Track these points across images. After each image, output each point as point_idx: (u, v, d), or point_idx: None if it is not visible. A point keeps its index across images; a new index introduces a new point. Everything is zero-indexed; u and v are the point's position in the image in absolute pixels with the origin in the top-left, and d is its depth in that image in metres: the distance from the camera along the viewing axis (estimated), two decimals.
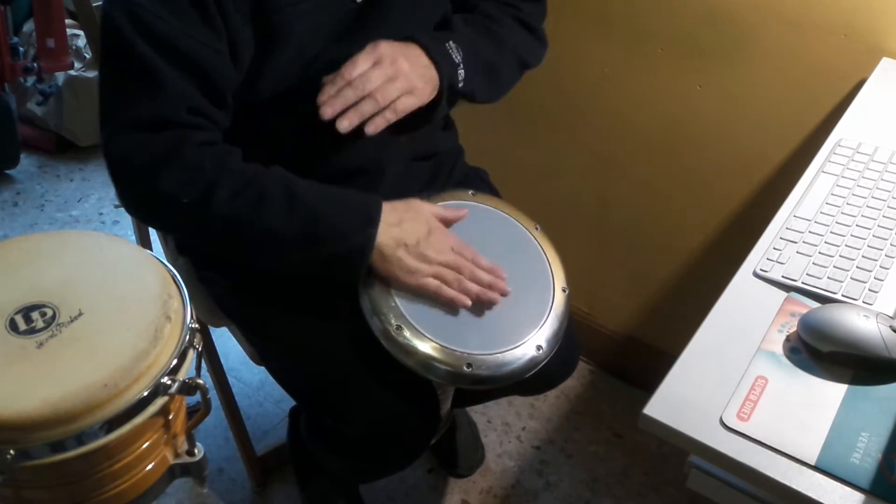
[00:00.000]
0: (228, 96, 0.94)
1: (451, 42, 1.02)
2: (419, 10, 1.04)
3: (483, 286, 0.98)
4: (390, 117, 0.96)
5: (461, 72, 1.02)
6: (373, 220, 0.93)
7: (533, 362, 0.97)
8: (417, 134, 1.08)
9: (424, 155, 1.14)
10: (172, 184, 0.88)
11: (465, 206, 1.08)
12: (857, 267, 0.86)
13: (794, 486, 0.66)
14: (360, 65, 0.94)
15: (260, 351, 1.14)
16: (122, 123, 0.89)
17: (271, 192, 0.91)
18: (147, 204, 0.94)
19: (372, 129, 0.95)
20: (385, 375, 1.00)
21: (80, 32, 2.25)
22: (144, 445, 0.80)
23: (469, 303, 0.96)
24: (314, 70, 0.97)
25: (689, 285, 1.56)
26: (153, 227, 0.96)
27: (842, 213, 0.94)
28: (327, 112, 0.92)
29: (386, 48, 0.96)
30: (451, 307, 0.97)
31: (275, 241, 0.92)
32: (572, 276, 1.06)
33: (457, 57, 1.02)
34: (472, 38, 1.06)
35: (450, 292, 0.96)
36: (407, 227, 0.96)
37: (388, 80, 0.94)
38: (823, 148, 1.06)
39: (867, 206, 0.95)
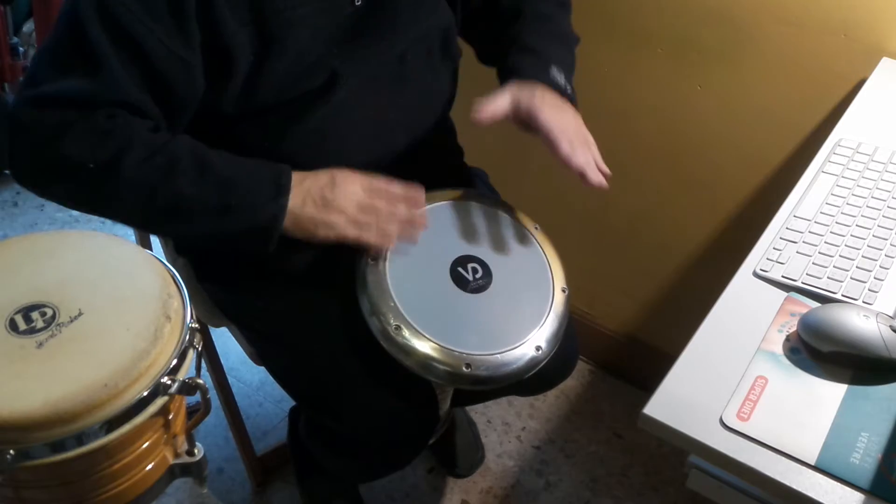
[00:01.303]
0: (183, 109, 0.92)
1: (553, 67, 1.06)
2: (419, 17, 1.04)
3: (402, 221, 0.97)
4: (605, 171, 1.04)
5: (568, 89, 1.07)
6: (284, 187, 0.91)
7: (533, 362, 0.97)
8: (417, 134, 1.08)
9: (424, 155, 1.14)
10: (79, 146, 0.85)
11: (464, 205, 1.08)
12: (856, 267, 0.86)
13: (794, 486, 0.66)
14: (579, 154, 1.00)
15: (260, 351, 1.14)
16: (44, 91, 0.86)
17: (183, 157, 0.88)
18: (48, 169, 0.89)
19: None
20: (384, 375, 1.00)
21: None
22: (144, 445, 0.80)
23: (392, 244, 0.96)
24: (314, 75, 0.97)
25: (689, 285, 1.56)
26: (51, 199, 0.92)
27: (842, 213, 0.94)
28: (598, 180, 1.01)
29: (561, 126, 1.01)
30: (450, 304, 0.96)
31: (185, 209, 0.89)
32: (572, 276, 1.06)
33: (561, 80, 1.06)
34: (558, 53, 1.09)
35: (370, 237, 0.95)
36: (308, 183, 0.94)
37: (590, 156, 1.03)
38: (823, 148, 1.06)
39: (867, 206, 0.95)
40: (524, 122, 1.01)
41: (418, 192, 0.99)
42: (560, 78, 1.06)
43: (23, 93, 0.87)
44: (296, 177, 0.93)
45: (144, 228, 0.98)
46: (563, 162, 0.99)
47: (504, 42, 1.12)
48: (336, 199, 0.94)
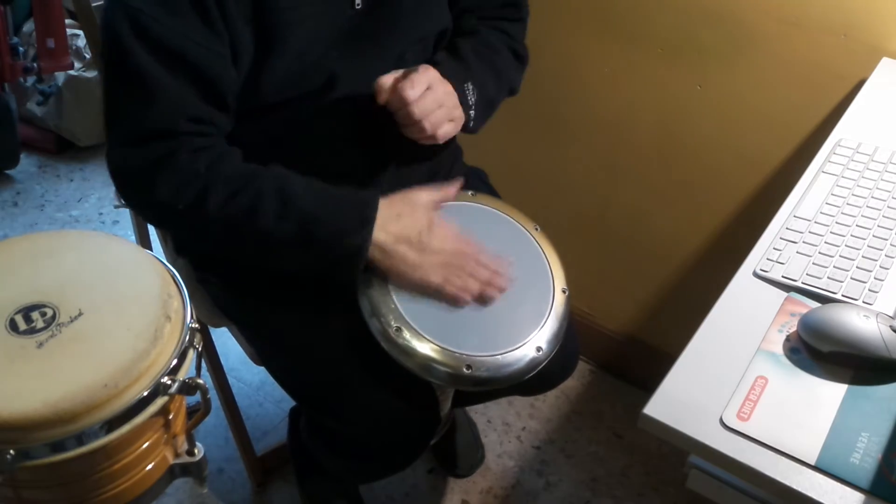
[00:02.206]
0: (230, 99, 0.94)
1: (469, 84, 1.05)
2: (419, 19, 1.05)
3: (483, 282, 0.97)
4: (428, 143, 1.00)
5: (472, 113, 1.06)
6: (368, 220, 0.93)
7: (533, 363, 0.97)
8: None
9: (423, 155, 1.14)
10: (167, 190, 0.89)
11: (465, 206, 1.08)
12: (857, 267, 0.86)
13: (794, 486, 0.66)
14: (417, 87, 0.95)
15: (260, 351, 1.14)
16: (121, 135, 0.91)
17: (266, 194, 0.91)
18: (147, 211, 0.98)
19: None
20: (385, 376, 1.00)
21: (80, 32, 2.25)
22: (144, 445, 0.80)
23: (470, 300, 0.96)
24: (314, 75, 0.97)
25: (689, 285, 1.56)
26: (159, 228, 0.99)
27: (842, 213, 0.94)
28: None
29: (435, 75, 0.99)
30: (450, 306, 0.96)
31: (270, 244, 0.92)
32: (572, 276, 1.06)
33: (471, 99, 1.05)
34: (483, 77, 1.09)
35: (453, 289, 0.96)
36: (406, 222, 0.95)
37: (438, 105, 0.98)
38: (823, 148, 1.06)
39: (867, 206, 0.95)
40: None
41: (505, 263, 1.01)
42: (471, 96, 1.05)
43: (109, 139, 0.92)
44: (387, 210, 0.94)
45: (242, 259, 1.01)
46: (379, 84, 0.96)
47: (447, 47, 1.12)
48: (431, 244, 0.96)
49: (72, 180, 2.25)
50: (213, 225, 0.91)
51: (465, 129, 1.06)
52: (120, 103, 0.91)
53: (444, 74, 1.02)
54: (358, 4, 0.98)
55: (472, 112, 1.05)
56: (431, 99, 0.97)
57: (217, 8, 0.88)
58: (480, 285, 0.97)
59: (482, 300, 0.98)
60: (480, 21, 1.14)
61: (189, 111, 0.90)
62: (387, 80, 0.96)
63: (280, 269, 0.99)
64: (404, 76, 0.96)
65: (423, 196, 1.00)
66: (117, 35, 0.87)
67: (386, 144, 1.06)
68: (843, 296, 0.83)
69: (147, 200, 0.93)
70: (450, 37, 1.12)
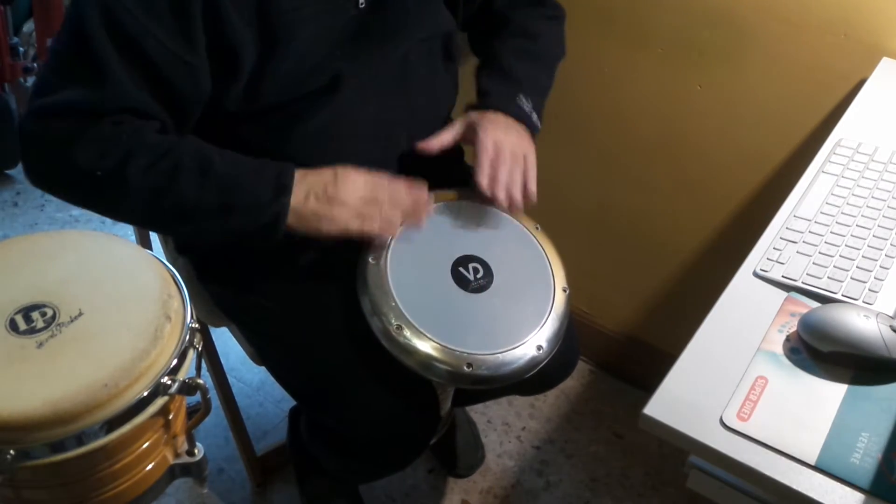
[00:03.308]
0: (187, 107, 0.92)
1: (520, 95, 1.08)
2: (422, 18, 1.05)
3: (406, 211, 0.98)
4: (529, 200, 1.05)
5: (534, 116, 1.09)
6: (286, 188, 0.92)
7: (533, 362, 0.97)
8: (419, 134, 1.08)
9: (425, 157, 1.14)
10: (87, 156, 0.86)
11: (465, 205, 1.08)
12: (857, 267, 0.86)
13: (794, 486, 0.66)
14: (499, 178, 1.02)
15: (260, 351, 1.14)
16: (51, 103, 0.87)
17: (187, 162, 0.89)
18: (59, 177, 0.91)
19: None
20: (385, 375, 1.00)
21: None
22: (144, 445, 0.80)
23: (395, 232, 0.97)
24: (317, 76, 0.97)
25: (689, 285, 1.56)
26: (65, 200, 0.94)
27: (842, 213, 0.94)
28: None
29: (497, 142, 1.03)
30: (449, 302, 0.96)
31: (191, 212, 0.90)
32: (572, 276, 1.06)
33: (527, 108, 1.08)
34: (531, 76, 1.11)
35: (373, 227, 0.95)
36: (311, 179, 0.94)
37: (509, 175, 1.03)
38: (823, 148, 1.06)
39: (867, 206, 0.95)
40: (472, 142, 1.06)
41: (421, 182, 1.00)
42: (526, 106, 1.09)
43: (31, 103, 0.88)
44: (298, 174, 0.94)
45: (154, 229, 1.02)
46: (475, 182, 1.03)
47: (486, 54, 1.15)
48: (339, 194, 0.94)
49: None
50: (131, 193, 0.88)
51: (535, 133, 1.10)
52: (64, 73, 0.88)
53: (496, 105, 1.06)
54: (361, 4, 0.98)
55: (534, 116, 1.09)
56: (503, 177, 1.03)
57: (210, 14, 0.87)
58: (404, 215, 0.98)
59: (413, 225, 0.99)
60: (524, 10, 1.16)
61: (131, 104, 0.88)
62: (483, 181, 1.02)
63: (197, 238, 0.98)
64: (480, 164, 1.02)
65: (348, 167, 0.98)
66: (84, 13, 0.84)
67: (388, 145, 1.06)
68: (843, 296, 0.83)
69: (63, 166, 0.87)
70: (480, 31, 1.15)
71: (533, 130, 1.10)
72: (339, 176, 0.95)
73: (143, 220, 0.97)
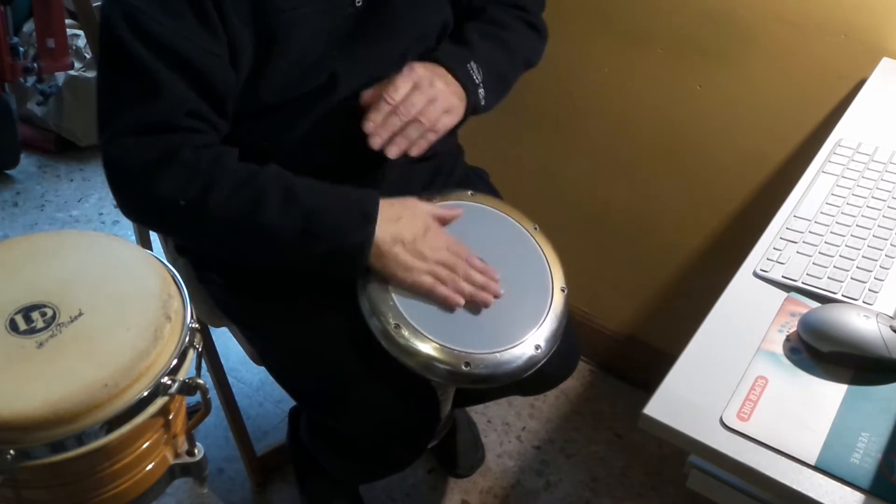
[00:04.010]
0: (228, 102, 0.94)
1: (472, 63, 1.04)
2: (419, 16, 1.04)
3: (476, 287, 0.98)
4: (433, 138, 0.99)
5: (481, 91, 1.05)
6: (371, 216, 0.93)
7: (532, 361, 0.97)
8: None
9: (424, 156, 1.14)
10: (170, 186, 0.89)
11: (465, 206, 1.08)
12: (857, 267, 0.86)
13: (794, 486, 0.66)
14: (401, 88, 0.95)
15: (260, 351, 1.14)
16: (120, 128, 0.89)
17: (269, 190, 0.91)
18: (145, 207, 0.95)
19: (416, 151, 0.98)
20: (385, 376, 1.00)
21: (80, 32, 2.25)
22: (144, 445, 0.80)
23: (462, 302, 0.97)
24: (314, 75, 0.97)
25: (689, 285, 1.56)
26: (152, 230, 0.96)
27: (842, 213, 0.94)
28: (377, 142, 0.94)
29: (421, 70, 0.98)
30: (446, 307, 0.97)
31: (273, 240, 0.92)
32: (572, 276, 1.06)
33: (478, 78, 1.04)
34: (490, 54, 1.07)
35: (444, 290, 0.96)
36: (404, 224, 0.96)
37: (429, 101, 0.97)
38: (823, 148, 1.06)
39: (867, 206, 0.95)
40: None
41: (495, 273, 1.01)
42: (476, 75, 1.04)
43: (101, 136, 0.90)
44: (388, 210, 0.95)
45: (240, 258, 1.02)
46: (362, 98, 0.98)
47: (453, 35, 1.11)
48: (423, 248, 0.96)
49: (72, 180, 2.25)
50: (215, 222, 0.91)
51: (477, 109, 1.05)
52: (120, 96, 0.90)
53: (442, 60, 1.02)
54: (358, 3, 0.98)
55: (480, 91, 1.05)
56: (420, 97, 0.96)
57: (216, 11, 0.88)
58: (473, 289, 0.97)
59: (475, 304, 0.98)
60: (502, 6, 1.14)
61: (189, 105, 0.90)
62: (367, 92, 0.97)
63: (279, 266, 0.99)
64: (386, 83, 0.96)
65: (424, 205, 1.01)
66: (116, 33, 0.87)
67: None
68: (843, 296, 0.83)
69: (147, 196, 0.91)
70: (456, 21, 1.11)
71: (474, 103, 1.04)
72: (430, 231, 0.98)
73: (228, 247, 0.98)
